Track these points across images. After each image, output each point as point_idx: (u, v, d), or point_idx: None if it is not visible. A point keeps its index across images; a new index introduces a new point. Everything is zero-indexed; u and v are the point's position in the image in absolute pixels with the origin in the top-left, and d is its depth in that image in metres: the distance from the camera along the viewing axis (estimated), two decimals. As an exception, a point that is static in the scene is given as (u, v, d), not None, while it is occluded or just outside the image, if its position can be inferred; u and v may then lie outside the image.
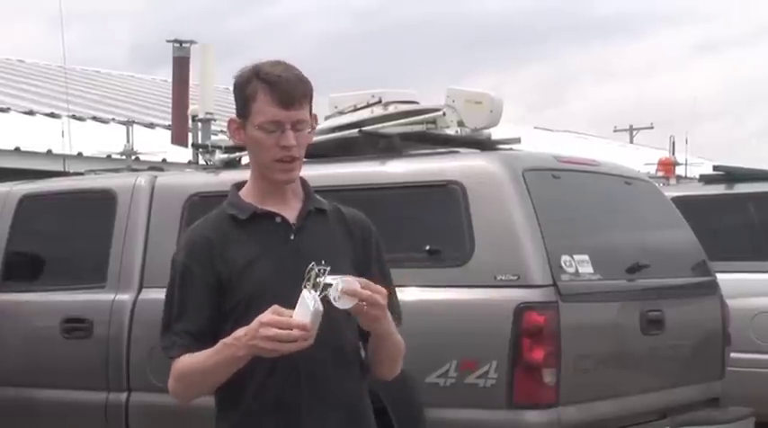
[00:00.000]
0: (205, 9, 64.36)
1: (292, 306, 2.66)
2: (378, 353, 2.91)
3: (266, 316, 2.63)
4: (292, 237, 2.89)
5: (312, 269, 2.64)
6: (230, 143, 6.58)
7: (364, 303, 2.66)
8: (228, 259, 2.85)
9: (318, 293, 2.63)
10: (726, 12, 72.42)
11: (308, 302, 2.62)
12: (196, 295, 2.85)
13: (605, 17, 74.14)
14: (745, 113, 59.42)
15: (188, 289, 2.87)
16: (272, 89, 2.84)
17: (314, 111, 2.97)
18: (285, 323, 2.61)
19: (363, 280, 2.68)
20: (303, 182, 3.00)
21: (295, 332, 2.60)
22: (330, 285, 2.64)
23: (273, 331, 2.61)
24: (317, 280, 2.63)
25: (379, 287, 2.70)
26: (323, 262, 2.66)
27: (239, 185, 3.00)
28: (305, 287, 2.64)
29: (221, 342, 2.74)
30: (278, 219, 2.90)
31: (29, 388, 6.45)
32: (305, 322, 2.60)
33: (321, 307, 2.62)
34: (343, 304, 2.65)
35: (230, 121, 2.97)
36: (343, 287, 2.63)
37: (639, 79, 64.78)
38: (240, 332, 2.69)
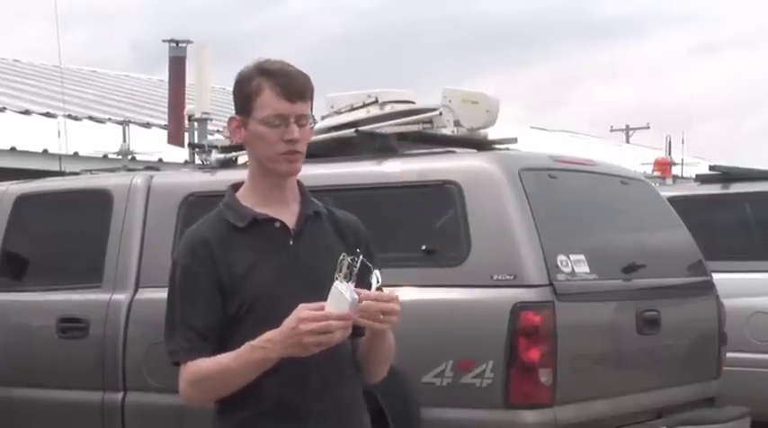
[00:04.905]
0: (209, 10, 64.26)
1: (291, 311, 2.66)
2: (373, 353, 2.89)
3: (303, 312, 2.62)
4: (291, 243, 2.87)
5: (344, 259, 2.65)
6: (227, 143, 6.58)
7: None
8: (228, 263, 2.83)
9: (352, 282, 2.64)
10: (725, 13, 72.47)
11: (344, 293, 2.62)
12: (202, 296, 2.82)
13: (605, 19, 74.15)
14: (743, 114, 59.49)
15: (193, 291, 2.83)
16: (278, 83, 2.83)
17: (313, 111, 2.96)
18: (323, 316, 2.61)
19: (378, 293, 2.70)
20: (299, 184, 2.98)
21: (334, 323, 2.60)
22: (371, 272, 2.68)
23: (314, 324, 2.61)
24: (350, 269, 2.64)
25: (393, 294, 2.72)
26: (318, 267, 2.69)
27: (236, 186, 2.97)
28: (337, 278, 2.64)
29: (248, 344, 2.71)
30: (277, 225, 2.88)
31: (24, 388, 6.43)
32: (342, 312, 2.62)
33: (357, 296, 2.64)
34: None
35: (231, 120, 2.93)
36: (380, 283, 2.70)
37: (640, 80, 64.79)
38: (272, 334, 2.67)
